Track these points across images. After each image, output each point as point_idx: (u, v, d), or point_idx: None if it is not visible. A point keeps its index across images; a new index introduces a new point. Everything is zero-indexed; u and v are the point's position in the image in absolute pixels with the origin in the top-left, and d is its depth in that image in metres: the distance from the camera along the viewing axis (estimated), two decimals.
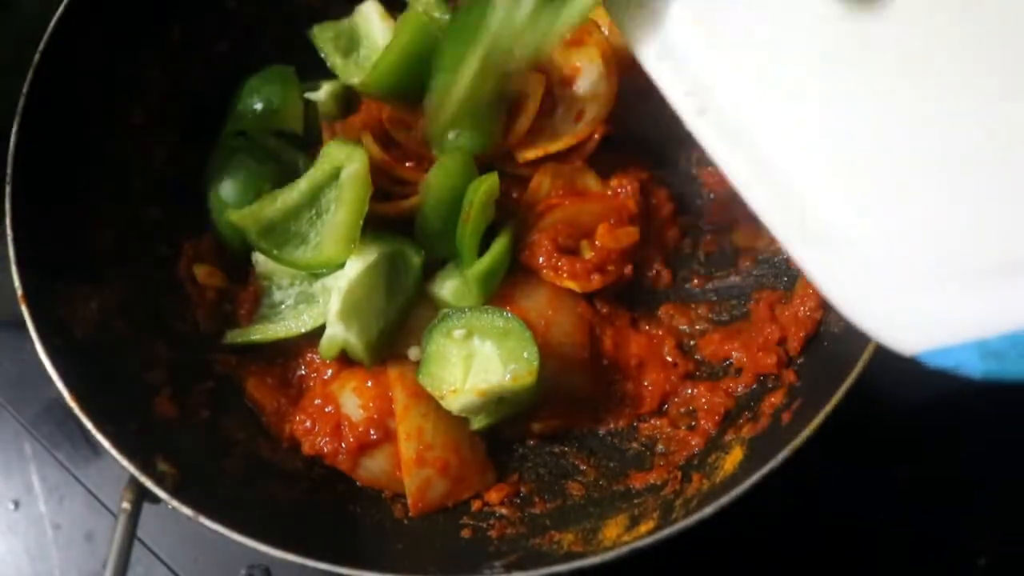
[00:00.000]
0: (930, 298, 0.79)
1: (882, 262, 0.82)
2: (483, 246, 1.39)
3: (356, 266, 1.34)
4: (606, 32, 1.48)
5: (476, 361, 1.32)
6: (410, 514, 1.33)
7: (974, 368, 0.75)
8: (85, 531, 1.53)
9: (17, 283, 1.22)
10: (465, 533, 1.31)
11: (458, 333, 1.31)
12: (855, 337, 1.16)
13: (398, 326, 1.40)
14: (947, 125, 0.81)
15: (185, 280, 1.46)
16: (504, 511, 1.33)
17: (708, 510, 1.09)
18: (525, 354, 1.29)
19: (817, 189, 0.87)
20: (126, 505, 1.14)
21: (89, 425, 1.16)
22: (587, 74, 1.47)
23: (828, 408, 1.11)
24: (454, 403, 1.30)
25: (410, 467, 1.31)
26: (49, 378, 1.18)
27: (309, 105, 1.51)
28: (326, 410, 1.35)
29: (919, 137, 0.83)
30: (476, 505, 1.35)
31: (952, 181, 0.80)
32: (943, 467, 1.46)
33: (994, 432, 1.49)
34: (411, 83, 1.42)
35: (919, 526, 1.44)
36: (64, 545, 1.53)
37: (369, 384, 1.36)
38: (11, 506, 1.55)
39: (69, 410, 1.16)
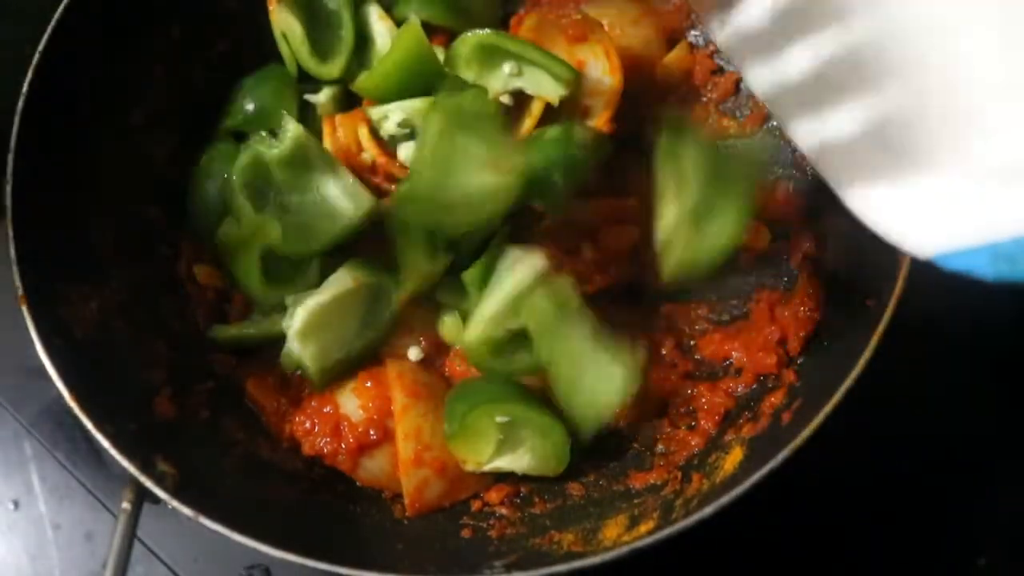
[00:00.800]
0: (943, 200, 0.79)
1: (896, 165, 0.83)
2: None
3: (330, 289, 1.34)
4: (608, 30, 1.48)
5: (508, 446, 1.32)
6: (407, 514, 1.33)
7: (986, 271, 0.76)
8: (85, 531, 1.53)
9: (17, 283, 1.22)
10: (465, 533, 1.30)
11: (501, 419, 1.30)
12: (855, 336, 1.18)
13: (361, 357, 1.39)
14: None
15: (185, 280, 1.47)
16: (504, 511, 1.33)
17: (708, 510, 1.09)
18: (558, 456, 1.32)
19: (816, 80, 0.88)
20: (126, 505, 1.14)
21: (89, 425, 1.16)
22: (592, 69, 1.47)
23: (828, 408, 1.11)
24: (471, 468, 1.32)
25: (408, 467, 1.31)
26: (49, 378, 1.18)
27: (309, 107, 1.51)
28: (325, 410, 1.35)
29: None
30: (476, 505, 1.35)
31: (960, 77, 0.79)
32: (943, 467, 1.46)
33: (993, 432, 1.49)
34: (408, 86, 1.43)
35: (919, 526, 1.43)
36: (64, 545, 1.52)
37: (368, 384, 1.36)
38: (11, 506, 1.55)
39: (69, 410, 1.16)
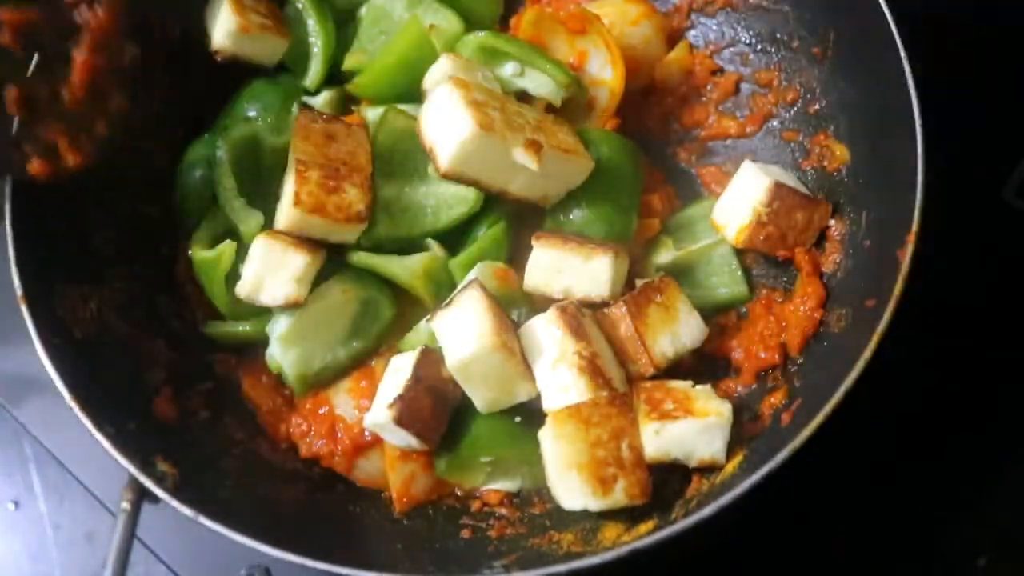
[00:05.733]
0: None
1: None
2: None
3: (317, 298, 1.33)
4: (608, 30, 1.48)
5: (500, 472, 1.34)
6: (396, 509, 1.33)
7: None
8: (85, 531, 1.53)
9: (17, 283, 1.22)
10: (465, 533, 1.31)
11: (485, 459, 1.31)
12: (855, 337, 1.18)
13: (346, 368, 1.38)
14: None
15: (184, 280, 1.46)
16: (504, 511, 1.33)
17: (707, 511, 1.09)
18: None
19: None
20: (125, 505, 1.14)
21: (89, 425, 1.16)
22: (594, 59, 1.47)
23: (828, 409, 1.12)
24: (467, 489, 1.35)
25: (394, 462, 1.31)
26: (49, 378, 1.18)
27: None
28: (320, 412, 1.35)
29: None
30: (476, 505, 1.35)
31: None
32: (943, 466, 1.46)
33: (993, 431, 1.48)
34: (406, 88, 1.43)
35: (919, 526, 1.43)
36: (64, 545, 1.52)
37: (363, 384, 1.36)
38: (11, 506, 1.55)
39: (69, 410, 1.16)
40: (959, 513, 1.45)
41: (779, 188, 1.35)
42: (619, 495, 1.21)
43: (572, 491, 1.21)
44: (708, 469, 1.26)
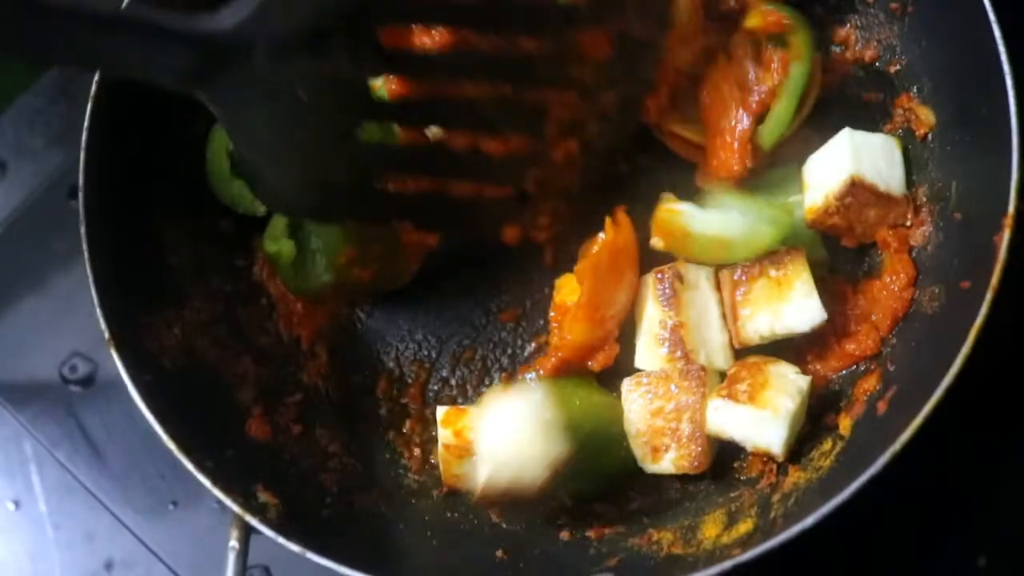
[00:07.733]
0: None
1: None
2: None
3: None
4: None
5: None
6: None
7: None
8: (85, 531, 1.54)
9: (103, 326, 1.20)
10: (564, 535, 1.29)
11: None
12: (950, 322, 1.14)
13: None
14: None
15: (264, 283, 1.45)
16: (599, 507, 1.31)
17: (810, 520, 1.08)
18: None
19: None
20: (234, 543, 1.14)
21: (189, 465, 1.15)
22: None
23: (932, 403, 1.07)
24: None
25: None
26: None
27: None
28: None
29: None
30: (571, 502, 1.32)
31: None
32: (943, 466, 1.40)
33: (993, 431, 1.43)
34: None
35: (919, 526, 1.40)
36: (64, 545, 1.54)
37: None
38: (11, 506, 1.56)
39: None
40: (959, 513, 1.41)
41: (855, 186, 1.27)
42: (667, 464, 1.27)
43: (634, 449, 1.30)
44: (803, 461, 1.25)
